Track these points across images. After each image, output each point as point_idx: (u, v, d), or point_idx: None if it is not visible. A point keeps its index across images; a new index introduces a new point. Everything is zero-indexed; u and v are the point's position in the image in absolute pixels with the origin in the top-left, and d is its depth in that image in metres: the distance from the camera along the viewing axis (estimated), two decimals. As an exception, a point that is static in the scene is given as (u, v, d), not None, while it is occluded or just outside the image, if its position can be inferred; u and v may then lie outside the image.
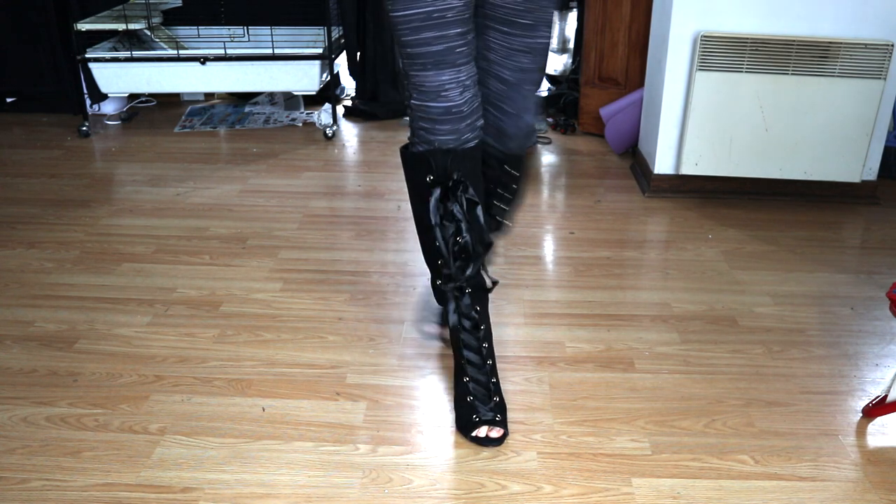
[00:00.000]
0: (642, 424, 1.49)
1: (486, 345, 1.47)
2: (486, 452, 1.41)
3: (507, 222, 1.57)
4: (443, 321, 1.66)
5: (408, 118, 1.58)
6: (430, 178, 1.36)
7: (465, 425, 1.44)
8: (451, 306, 1.45)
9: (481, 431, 1.42)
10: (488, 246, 1.43)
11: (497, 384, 1.49)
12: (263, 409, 1.52)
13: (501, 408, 1.47)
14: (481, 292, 1.48)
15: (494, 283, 1.49)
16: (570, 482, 1.35)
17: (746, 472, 1.37)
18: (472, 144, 1.37)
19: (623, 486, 1.34)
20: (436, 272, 1.49)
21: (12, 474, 1.34)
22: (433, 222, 1.37)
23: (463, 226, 1.36)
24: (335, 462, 1.39)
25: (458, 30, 1.30)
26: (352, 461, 1.39)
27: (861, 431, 1.48)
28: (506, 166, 1.47)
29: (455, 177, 1.35)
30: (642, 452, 1.42)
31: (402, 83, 3.50)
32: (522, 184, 1.54)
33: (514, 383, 1.61)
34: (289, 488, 1.32)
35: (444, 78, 1.30)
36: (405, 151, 1.42)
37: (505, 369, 1.65)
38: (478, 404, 1.45)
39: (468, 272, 1.38)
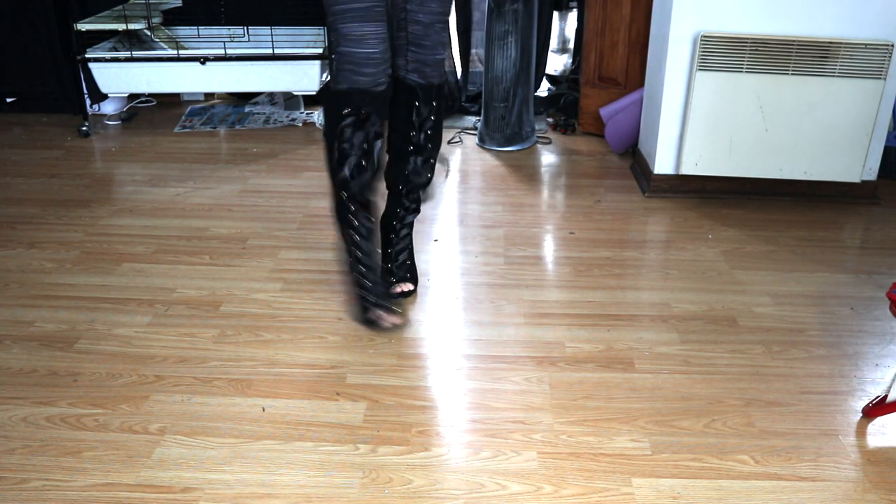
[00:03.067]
0: (642, 424, 1.49)
1: (370, 242, 1.81)
2: (486, 452, 1.41)
3: (433, 161, 1.90)
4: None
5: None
6: (346, 111, 1.67)
7: (361, 315, 1.80)
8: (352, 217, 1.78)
9: (371, 314, 1.78)
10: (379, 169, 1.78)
11: (392, 267, 1.92)
12: (263, 409, 1.52)
13: (387, 292, 1.85)
14: (369, 209, 1.79)
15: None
16: (570, 482, 1.35)
17: (746, 472, 1.38)
18: (381, 88, 1.68)
19: (623, 486, 1.34)
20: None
21: (12, 474, 1.34)
22: (339, 141, 1.69)
23: (361, 152, 1.70)
24: (335, 462, 1.39)
25: None
26: (352, 461, 1.39)
27: (861, 431, 1.48)
28: (423, 105, 1.80)
29: (363, 112, 1.67)
30: (642, 452, 1.42)
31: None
32: (441, 115, 1.86)
33: (514, 383, 1.61)
34: (289, 488, 1.32)
35: (367, 29, 1.61)
36: (326, 90, 1.77)
37: (505, 369, 1.65)
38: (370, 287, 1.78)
39: (354, 182, 1.72)
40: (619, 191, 2.66)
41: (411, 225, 1.99)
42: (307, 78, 3.10)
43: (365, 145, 1.70)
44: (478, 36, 3.58)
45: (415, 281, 1.98)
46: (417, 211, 1.97)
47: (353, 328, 1.80)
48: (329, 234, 2.29)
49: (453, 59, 3.45)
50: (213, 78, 3.09)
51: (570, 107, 3.42)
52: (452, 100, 3.43)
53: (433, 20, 1.73)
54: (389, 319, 1.78)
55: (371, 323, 1.79)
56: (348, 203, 1.75)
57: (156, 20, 3.28)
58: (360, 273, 1.78)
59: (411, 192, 1.92)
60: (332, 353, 1.71)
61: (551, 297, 1.95)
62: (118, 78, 3.07)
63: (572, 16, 5.30)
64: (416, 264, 2.04)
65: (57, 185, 2.65)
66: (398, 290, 1.93)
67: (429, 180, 1.92)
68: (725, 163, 2.48)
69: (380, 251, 1.89)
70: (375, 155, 1.73)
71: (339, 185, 1.73)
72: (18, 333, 1.77)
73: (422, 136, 1.83)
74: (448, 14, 1.77)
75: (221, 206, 2.49)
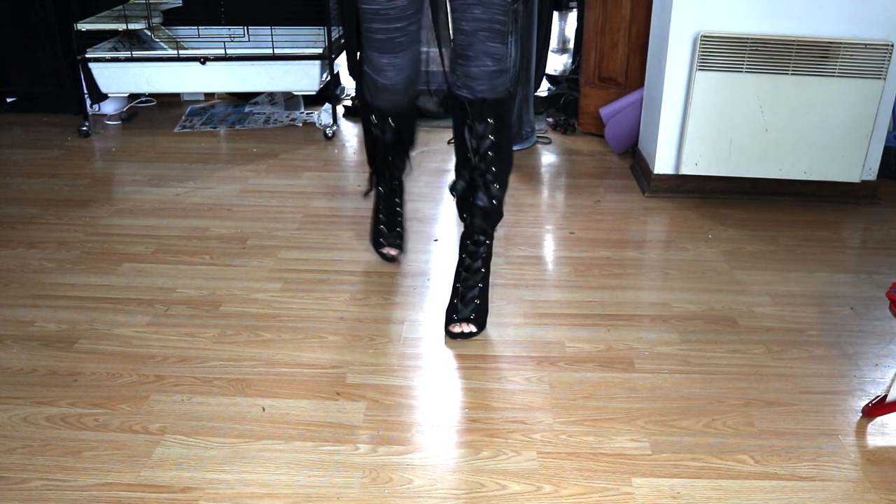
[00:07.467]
0: (642, 424, 1.49)
1: (397, 199, 2.08)
2: (486, 452, 1.41)
3: (497, 187, 1.80)
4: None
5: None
6: (373, 117, 1.85)
7: (375, 247, 2.11)
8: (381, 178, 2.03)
9: (384, 250, 2.08)
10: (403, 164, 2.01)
11: (401, 221, 2.11)
12: (263, 409, 1.52)
13: (402, 237, 2.12)
14: (399, 178, 2.06)
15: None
16: (570, 482, 1.35)
17: (746, 471, 1.38)
18: (403, 109, 1.82)
19: (623, 486, 1.34)
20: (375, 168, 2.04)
21: (12, 474, 1.34)
22: (373, 134, 1.90)
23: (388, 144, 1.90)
24: (335, 462, 1.39)
25: (399, 24, 1.67)
26: (352, 461, 1.39)
27: (861, 431, 1.49)
28: (477, 122, 1.73)
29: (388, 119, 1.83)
30: (642, 452, 1.42)
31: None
32: (504, 135, 1.75)
33: (514, 383, 1.61)
34: (289, 488, 1.32)
35: (384, 60, 1.71)
36: (360, 94, 1.89)
37: (505, 369, 1.65)
38: (385, 231, 2.08)
39: (389, 167, 1.98)
40: (619, 191, 2.66)
41: (484, 259, 1.83)
42: (307, 78, 3.10)
43: (389, 137, 1.87)
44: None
45: (480, 324, 1.78)
46: (486, 243, 1.83)
47: (352, 328, 1.81)
48: (329, 233, 2.29)
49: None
50: (213, 78, 3.09)
51: (570, 107, 3.42)
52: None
53: (477, 28, 1.64)
54: (389, 252, 2.08)
55: (381, 255, 2.10)
56: (380, 167, 1.99)
57: (156, 20, 3.28)
58: (377, 215, 2.08)
59: (474, 218, 1.80)
60: (332, 353, 1.71)
61: (551, 297, 1.96)
62: (118, 78, 3.07)
63: (572, 16, 5.30)
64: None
65: (57, 185, 2.65)
66: (456, 329, 1.76)
67: (493, 208, 1.78)
68: (725, 163, 2.48)
69: (398, 205, 2.09)
70: (401, 136, 1.90)
71: (370, 158, 1.98)
72: (18, 333, 1.77)
73: (477, 157, 1.73)
74: (499, 23, 1.65)
75: (221, 206, 2.49)
